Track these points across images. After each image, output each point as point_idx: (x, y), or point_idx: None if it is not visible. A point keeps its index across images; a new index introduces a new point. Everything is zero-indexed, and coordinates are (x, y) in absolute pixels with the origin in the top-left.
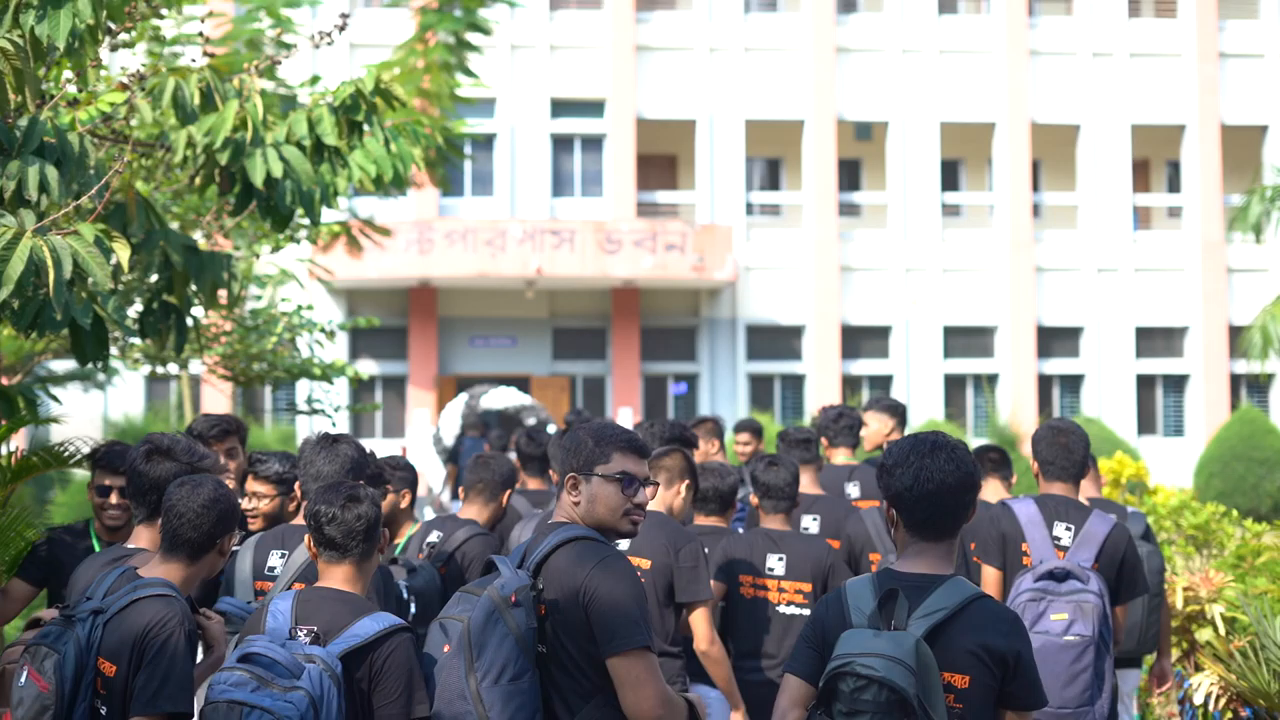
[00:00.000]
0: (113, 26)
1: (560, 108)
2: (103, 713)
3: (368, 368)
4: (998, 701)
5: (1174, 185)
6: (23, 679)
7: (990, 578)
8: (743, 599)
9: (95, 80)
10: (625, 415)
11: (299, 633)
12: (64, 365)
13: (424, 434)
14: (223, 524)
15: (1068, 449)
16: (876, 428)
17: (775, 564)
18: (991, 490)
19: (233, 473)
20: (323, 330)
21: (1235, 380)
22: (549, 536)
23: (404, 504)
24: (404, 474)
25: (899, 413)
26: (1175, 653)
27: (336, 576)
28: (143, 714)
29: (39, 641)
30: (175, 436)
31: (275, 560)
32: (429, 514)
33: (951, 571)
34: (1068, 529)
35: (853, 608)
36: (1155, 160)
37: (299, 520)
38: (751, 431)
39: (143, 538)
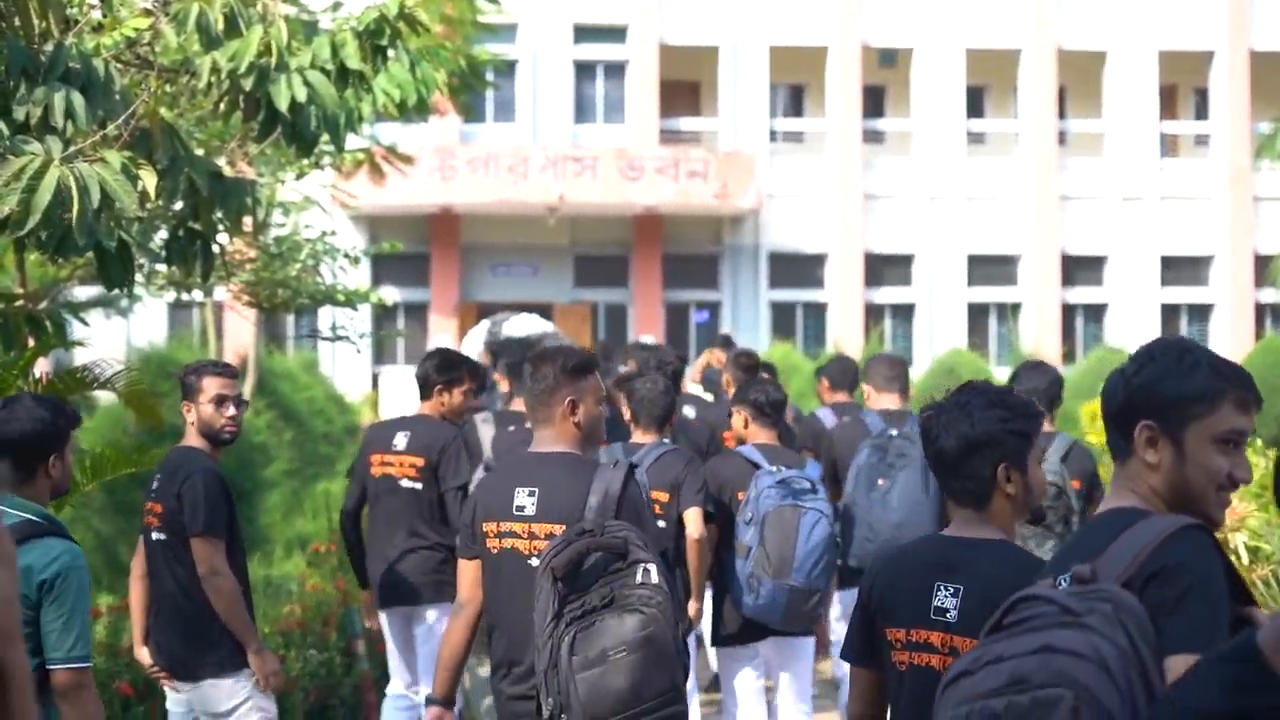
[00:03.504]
0: None
1: (583, 34)
2: None
3: (390, 295)
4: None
5: (1201, 112)
6: None
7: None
8: None
9: (119, 5)
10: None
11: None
12: (88, 292)
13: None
14: None
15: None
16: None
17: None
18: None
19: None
20: (346, 256)
21: (1260, 309)
22: None
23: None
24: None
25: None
26: None
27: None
28: None
29: None
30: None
31: None
32: None
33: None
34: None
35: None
36: (1182, 87)
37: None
38: (721, 347)
39: None
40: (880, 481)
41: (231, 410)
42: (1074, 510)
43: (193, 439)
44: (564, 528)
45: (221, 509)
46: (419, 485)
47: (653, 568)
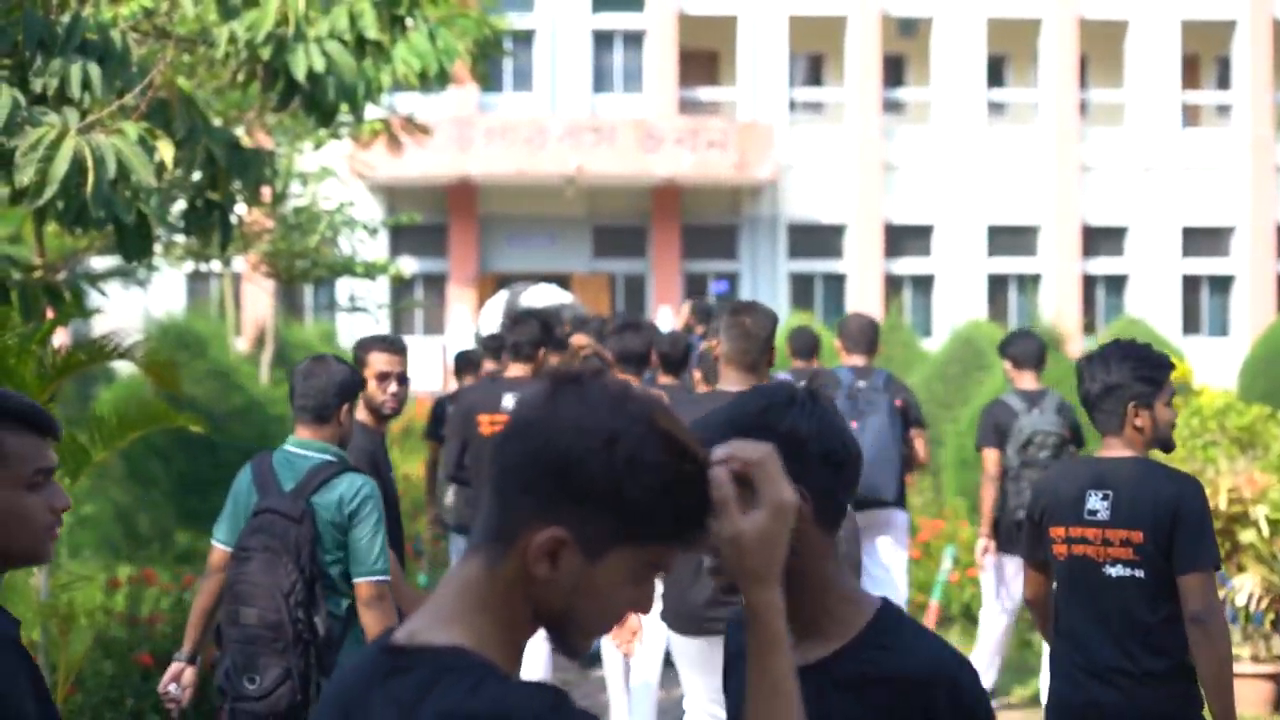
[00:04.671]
0: None
1: (601, 3)
2: None
3: (408, 265)
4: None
5: (1223, 82)
6: None
7: None
8: None
9: None
10: (665, 314)
11: None
12: (105, 263)
13: (464, 331)
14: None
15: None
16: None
17: None
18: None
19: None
20: (365, 228)
21: None
22: None
23: None
24: None
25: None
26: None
27: None
28: None
29: None
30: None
31: None
32: None
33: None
34: None
35: None
36: (1204, 57)
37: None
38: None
39: None
40: (853, 424)
41: (394, 387)
42: (1071, 454)
43: (359, 412)
44: None
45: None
46: None
47: None
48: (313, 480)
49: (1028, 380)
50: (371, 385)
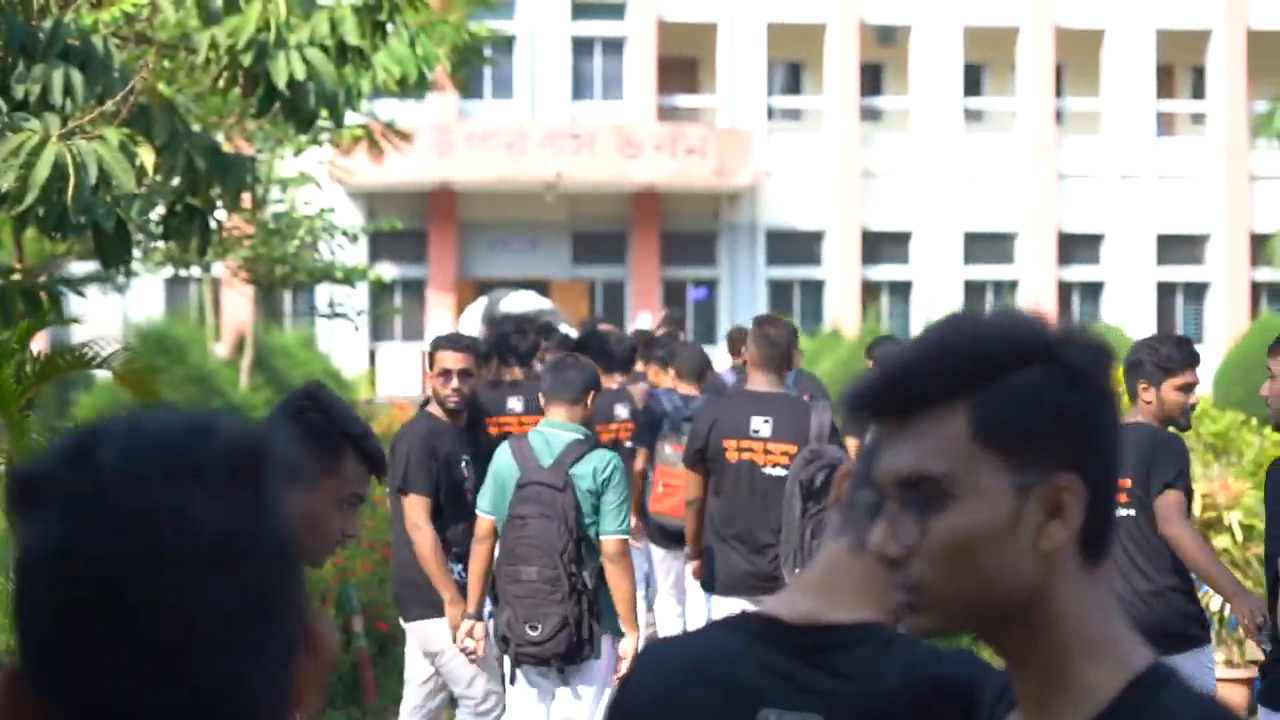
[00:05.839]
0: None
1: (581, 10)
2: None
3: (388, 271)
4: None
5: (1198, 91)
6: None
7: None
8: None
9: None
10: (644, 320)
11: None
12: (85, 268)
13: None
14: None
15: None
16: None
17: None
18: None
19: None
20: (345, 233)
21: (1256, 288)
22: None
23: None
24: None
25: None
26: None
27: None
28: None
29: None
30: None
31: None
32: None
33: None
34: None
35: None
36: (1180, 66)
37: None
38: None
39: None
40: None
41: (455, 383)
42: None
43: (433, 405)
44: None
45: (423, 469)
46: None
47: None
48: (570, 455)
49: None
50: (436, 381)
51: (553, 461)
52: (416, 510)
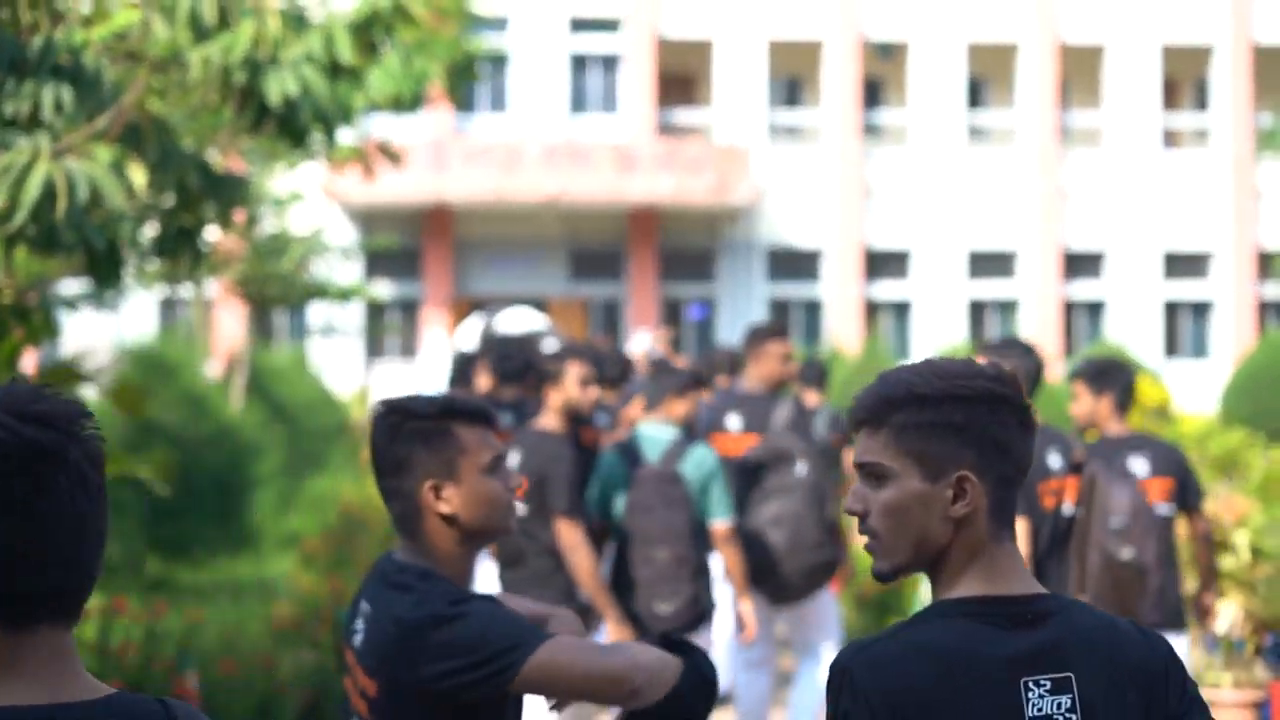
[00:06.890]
0: None
1: (578, 26)
2: None
3: (382, 289)
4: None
5: (1202, 106)
6: None
7: None
8: None
9: None
10: (642, 338)
11: None
12: (75, 286)
13: (440, 355)
14: None
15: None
16: None
17: None
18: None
19: None
20: (341, 252)
21: (1263, 306)
22: None
23: None
24: None
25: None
26: (1195, 580)
27: None
28: None
29: None
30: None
31: None
32: None
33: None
34: None
35: None
36: (1184, 81)
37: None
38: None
39: None
40: None
41: (594, 393)
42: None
43: (549, 420)
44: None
45: (579, 493)
46: None
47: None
48: (676, 451)
49: (811, 398)
50: (582, 391)
51: (660, 456)
52: (577, 533)
